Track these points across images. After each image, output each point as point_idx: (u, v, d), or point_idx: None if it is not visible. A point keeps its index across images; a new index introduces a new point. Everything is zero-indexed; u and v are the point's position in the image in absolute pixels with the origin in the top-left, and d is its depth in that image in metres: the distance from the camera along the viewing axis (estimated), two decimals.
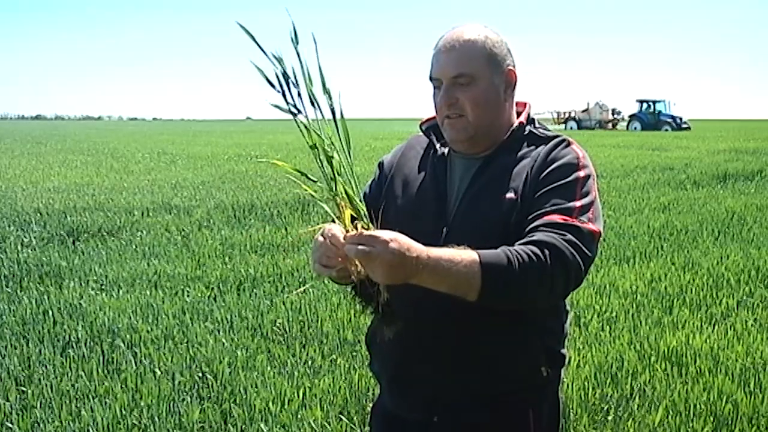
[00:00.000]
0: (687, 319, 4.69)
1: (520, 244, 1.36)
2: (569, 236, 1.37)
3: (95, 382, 3.69)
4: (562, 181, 1.46)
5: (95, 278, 5.84)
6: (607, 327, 4.53)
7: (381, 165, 1.74)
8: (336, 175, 1.33)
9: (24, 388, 3.60)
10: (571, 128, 46.65)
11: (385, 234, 1.25)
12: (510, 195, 1.49)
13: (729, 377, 3.71)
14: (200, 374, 3.80)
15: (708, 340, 4.24)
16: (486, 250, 1.33)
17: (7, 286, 5.56)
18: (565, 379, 3.61)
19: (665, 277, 5.74)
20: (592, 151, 20.73)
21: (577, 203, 1.43)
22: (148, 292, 5.41)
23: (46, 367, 3.88)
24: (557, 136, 1.57)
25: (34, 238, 7.45)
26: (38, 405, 3.41)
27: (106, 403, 3.42)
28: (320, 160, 1.34)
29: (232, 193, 10.87)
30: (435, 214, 1.54)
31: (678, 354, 4.04)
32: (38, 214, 8.75)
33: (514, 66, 1.57)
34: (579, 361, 3.90)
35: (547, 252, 1.33)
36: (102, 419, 3.22)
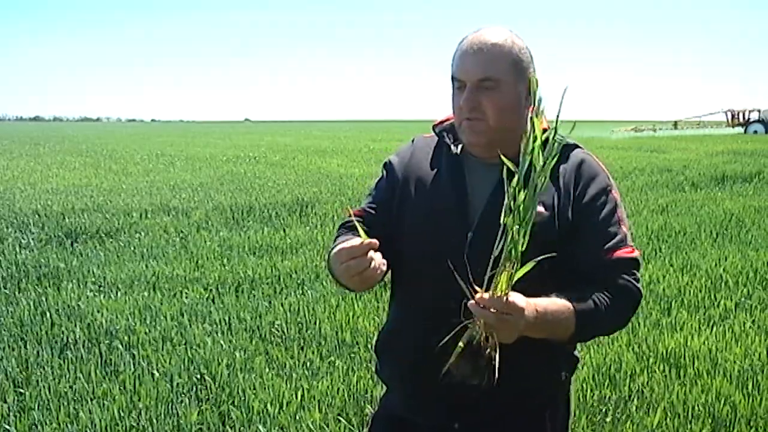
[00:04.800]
0: (685, 321, 4.69)
1: (605, 292, 1.44)
2: (637, 274, 1.49)
3: (93, 383, 3.68)
4: (608, 208, 1.51)
5: (93, 280, 5.83)
6: None
7: (388, 165, 1.67)
8: (523, 238, 1.26)
9: (22, 390, 3.60)
10: (755, 132, 36.51)
11: (520, 300, 1.27)
12: (540, 209, 1.46)
13: (727, 379, 3.71)
14: (198, 376, 3.79)
15: (706, 342, 4.24)
16: (580, 300, 1.40)
17: (5, 288, 5.55)
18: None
19: (663, 279, 5.74)
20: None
21: (625, 229, 1.52)
22: (146, 294, 5.40)
23: (44, 368, 3.88)
24: (573, 144, 1.56)
25: (33, 239, 7.44)
26: (36, 407, 3.40)
27: (104, 404, 3.42)
28: (512, 223, 1.25)
29: (231, 195, 10.86)
30: (457, 218, 1.52)
31: (676, 356, 4.04)
32: (36, 216, 8.74)
33: (535, 74, 1.54)
34: None
35: (629, 300, 1.48)
36: (100, 421, 3.21)
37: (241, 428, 3.26)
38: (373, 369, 1.81)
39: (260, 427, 3.25)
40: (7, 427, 3.19)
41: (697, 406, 3.41)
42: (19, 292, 5.44)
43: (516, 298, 1.27)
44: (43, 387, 3.61)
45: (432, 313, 1.49)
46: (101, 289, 5.60)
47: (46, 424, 3.24)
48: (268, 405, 3.43)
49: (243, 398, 3.52)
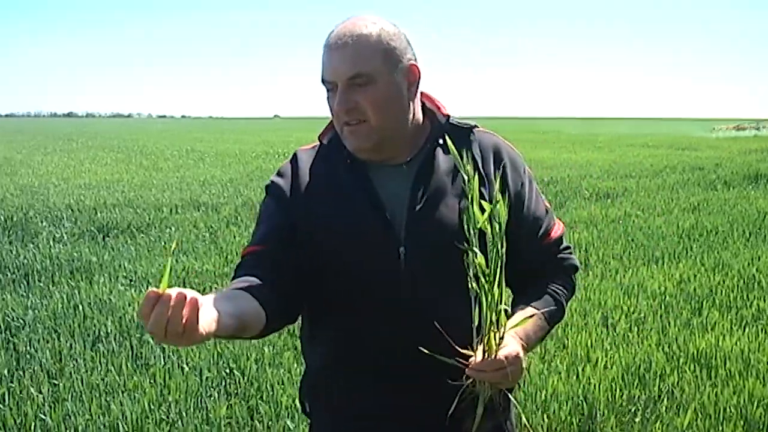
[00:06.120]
0: (717, 321, 4.62)
1: (554, 275, 1.48)
2: (569, 245, 1.53)
3: (124, 376, 3.74)
4: (533, 190, 1.47)
5: (125, 274, 5.92)
6: (635, 328, 4.49)
7: (273, 188, 1.46)
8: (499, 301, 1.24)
9: (56, 381, 3.67)
10: None
11: (514, 347, 1.25)
12: (464, 203, 1.33)
13: (760, 380, 3.65)
14: (227, 370, 3.83)
15: (738, 343, 4.18)
16: (542, 299, 1.42)
17: (39, 281, 5.66)
18: (592, 380, 3.59)
19: (694, 278, 5.66)
20: (620, 151, 20.50)
21: (546, 203, 1.51)
22: None
23: (76, 360, 3.95)
24: (475, 126, 1.47)
25: (66, 233, 7.57)
26: (69, 398, 3.47)
27: (134, 397, 3.47)
28: (480, 288, 1.22)
29: (260, 191, 10.92)
30: (382, 234, 1.36)
31: (707, 356, 3.99)
32: (69, 210, 8.90)
33: (416, 60, 1.38)
34: (606, 362, 3.87)
35: (573, 273, 1.52)
36: (131, 413, 3.26)
37: (270, 423, 3.29)
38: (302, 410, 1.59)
39: (288, 422, 3.27)
40: (43, 416, 3.26)
41: (729, 407, 3.36)
42: (52, 286, 5.54)
43: (510, 348, 1.23)
44: (76, 379, 3.68)
45: (371, 341, 1.37)
46: (132, 283, 5.68)
47: (79, 415, 3.30)
48: (296, 400, 3.44)
49: (271, 393, 3.55)
